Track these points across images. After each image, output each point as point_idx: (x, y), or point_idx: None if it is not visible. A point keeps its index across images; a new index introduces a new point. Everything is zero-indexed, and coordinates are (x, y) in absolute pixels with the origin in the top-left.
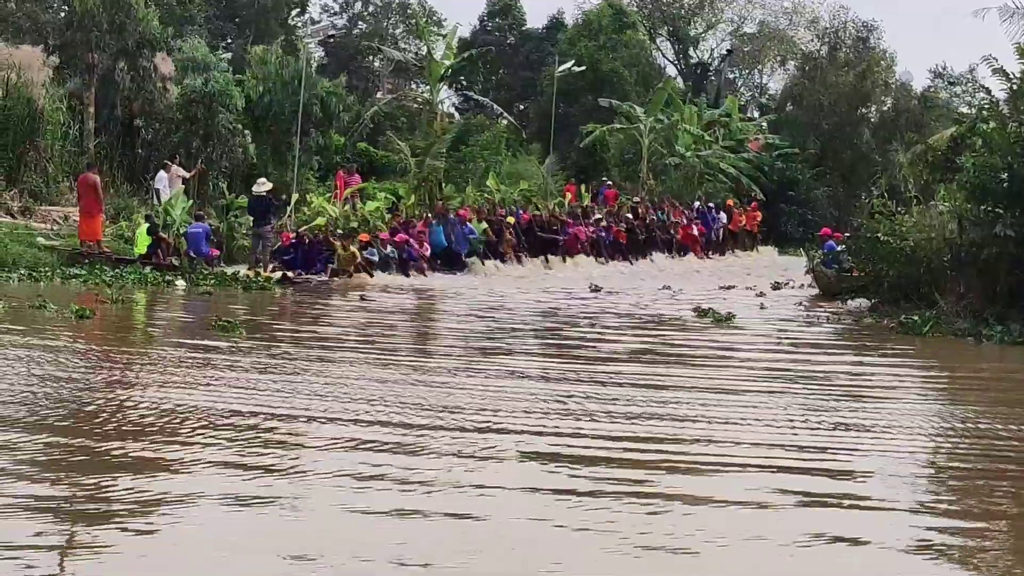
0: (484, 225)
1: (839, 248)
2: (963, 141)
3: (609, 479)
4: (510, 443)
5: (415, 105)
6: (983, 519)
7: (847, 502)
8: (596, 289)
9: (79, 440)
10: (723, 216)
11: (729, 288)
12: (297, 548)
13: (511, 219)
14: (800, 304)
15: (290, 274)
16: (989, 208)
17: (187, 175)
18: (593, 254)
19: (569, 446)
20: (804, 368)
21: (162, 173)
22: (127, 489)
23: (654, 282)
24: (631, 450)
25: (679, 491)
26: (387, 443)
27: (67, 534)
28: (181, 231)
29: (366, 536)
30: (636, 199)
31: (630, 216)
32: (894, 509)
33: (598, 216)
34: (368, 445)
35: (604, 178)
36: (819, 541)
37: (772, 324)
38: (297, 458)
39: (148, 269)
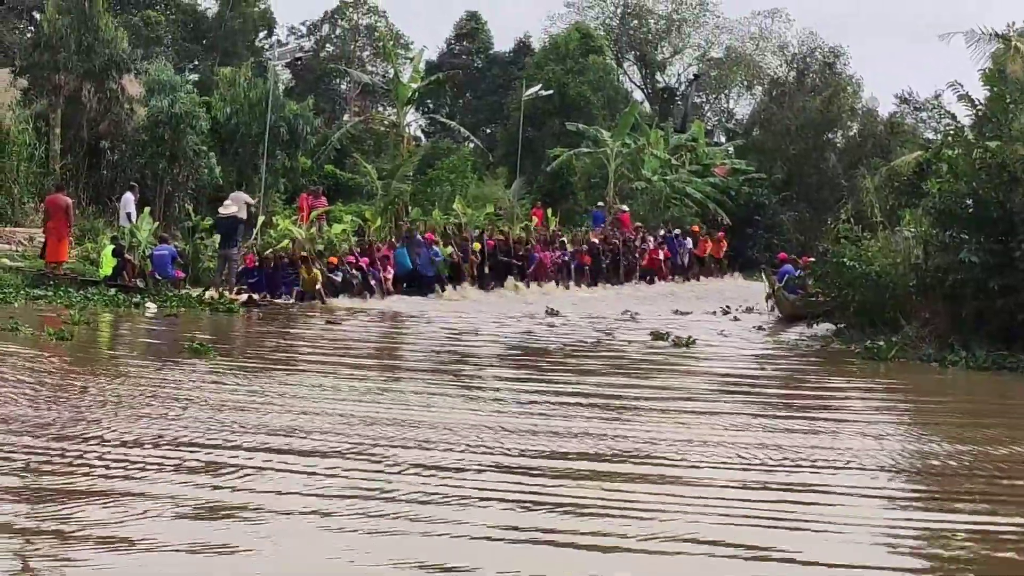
0: (450, 249)
1: (801, 273)
2: (929, 167)
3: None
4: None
5: (382, 128)
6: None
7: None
8: (553, 313)
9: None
10: (688, 241)
11: (686, 313)
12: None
13: (477, 244)
14: (761, 328)
15: (256, 296)
16: (954, 234)
17: (253, 201)
18: (559, 279)
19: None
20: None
21: (128, 195)
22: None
23: (616, 306)
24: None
25: None
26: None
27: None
28: (147, 253)
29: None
30: (639, 224)
31: (595, 242)
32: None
33: (563, 240)
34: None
35: (600, 203)
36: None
37: (735, 349)
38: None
39: (113, 291)
